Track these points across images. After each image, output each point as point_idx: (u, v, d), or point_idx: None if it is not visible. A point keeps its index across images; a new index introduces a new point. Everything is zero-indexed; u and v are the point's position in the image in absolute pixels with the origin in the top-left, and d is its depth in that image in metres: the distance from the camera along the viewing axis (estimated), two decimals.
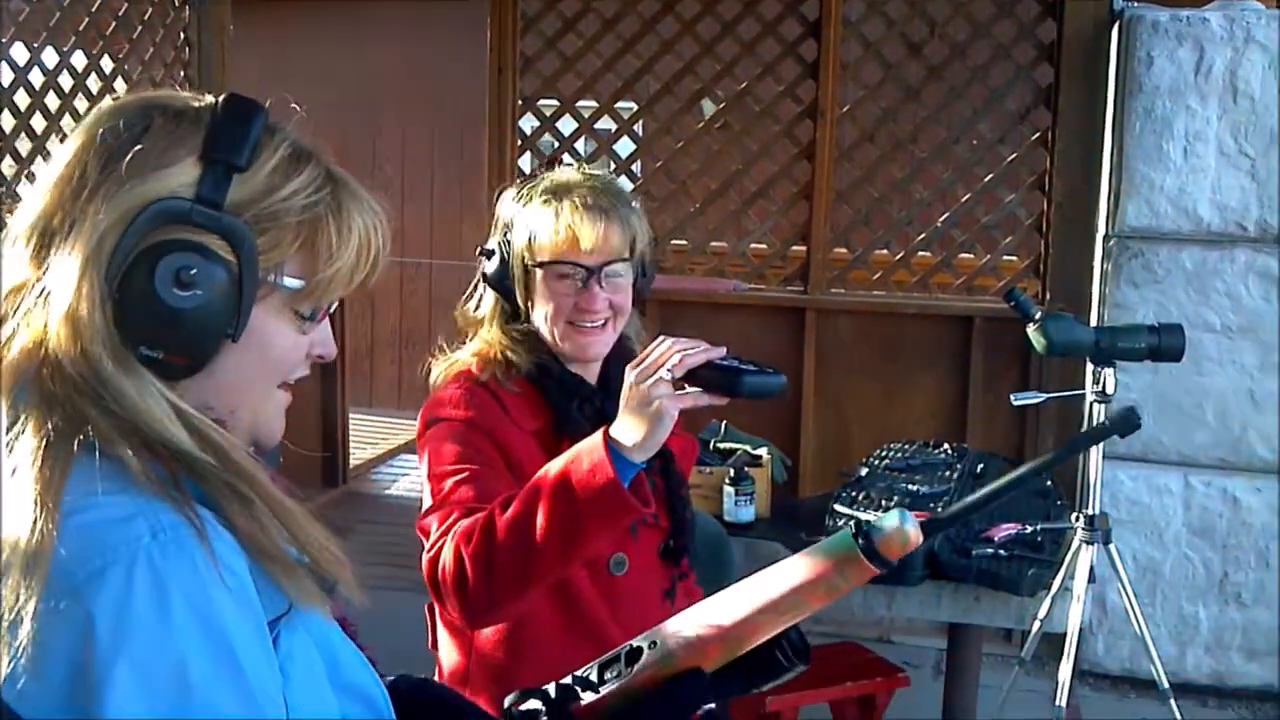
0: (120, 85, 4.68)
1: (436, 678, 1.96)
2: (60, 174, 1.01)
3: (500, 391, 1.87)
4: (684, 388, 1.62)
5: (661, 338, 1.64)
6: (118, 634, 0.89)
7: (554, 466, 1.66)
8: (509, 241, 1.88)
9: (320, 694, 1.04)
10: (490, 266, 1.91)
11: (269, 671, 0.97)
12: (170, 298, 0.98)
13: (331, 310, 1.11)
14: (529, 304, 1.89)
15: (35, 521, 0.91)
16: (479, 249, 1.94)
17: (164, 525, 0.93)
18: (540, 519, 1.63)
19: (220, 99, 1.04)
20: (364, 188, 1.10)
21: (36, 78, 4.31)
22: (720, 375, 1.61)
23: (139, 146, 1.00)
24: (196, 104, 1.05)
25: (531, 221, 1.86)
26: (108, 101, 1.08)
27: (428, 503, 1.81)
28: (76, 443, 0.95)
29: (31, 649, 0.89)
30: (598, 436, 1.64)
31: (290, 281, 1.05)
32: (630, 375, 1.63)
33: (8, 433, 0.96)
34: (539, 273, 1.86)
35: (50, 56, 4.38)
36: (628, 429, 1.62)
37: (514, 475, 1.81)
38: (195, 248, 0.99)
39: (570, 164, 2.05)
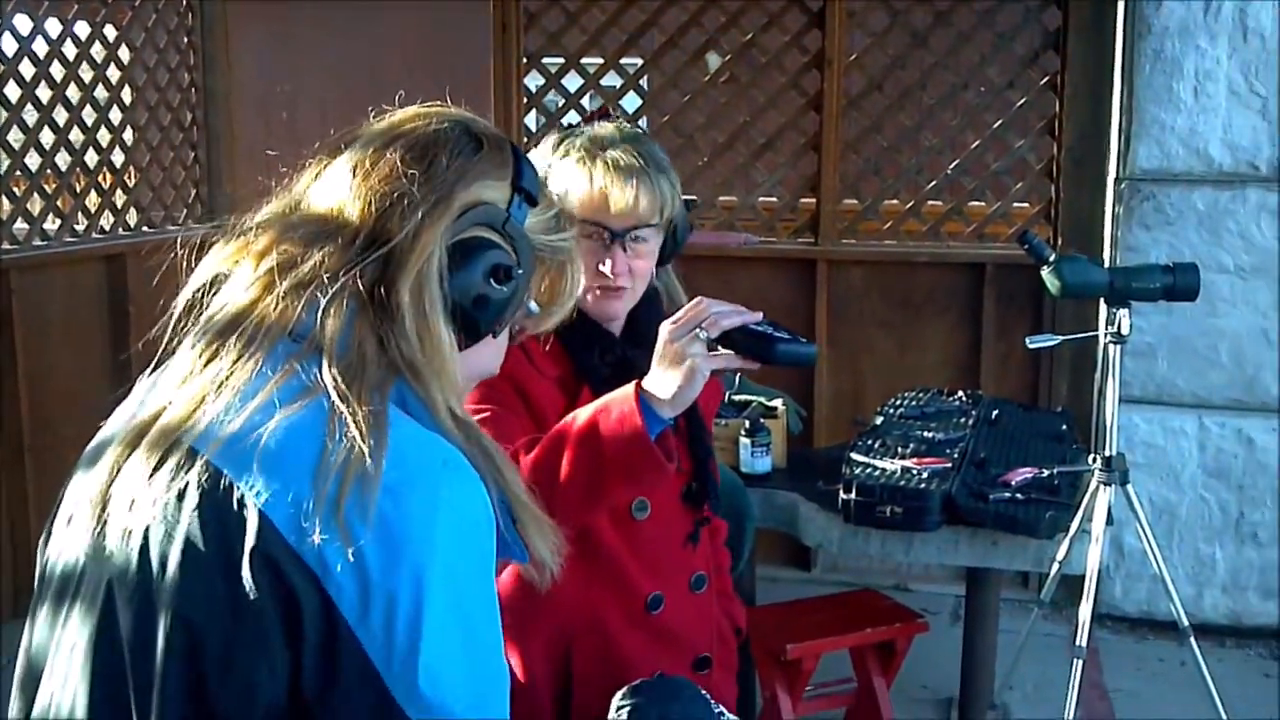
0: (124, 53, 4.67)
1: None
2: (408, 156, 1.16)
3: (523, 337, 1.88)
4: (717, 349, 1.63)
5: (699, 298, 1.65)
6: (406, 541, 1.02)
7: (582, 414, 1.67)
8: None
9: None
10: None
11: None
12: (485, 285, 1.17)
13: None
14: None
15: (367, 432, 1.04)
16: None
17: (453, 458, 1.09)
18: (564, 465, 1.65)
19: (509, 142, 1.24)
20: None
21: (41, 47, 4.30)
22: (754, 341, 1.62)
23: (478, 158, 1.18)
24: (501, 135, 1.23)
25: (565, 178, 1.85)
26: (427, 111, 1.22)
27: None
28: (395, 373, 1.11)
29: (349, 532, 1.01)
30: (629, 389, 1.65)
31: (533, 305, 1.28)
32: (665, 331, 1.64)
33: (337, 357, 1.09)
34: None
35: (54, 26, 4.37)
36: (660, 384, 1.63)
37: (534, 420, 1.82)
38: (506, 252, 1.19)
39: (613, 118, 2.01)
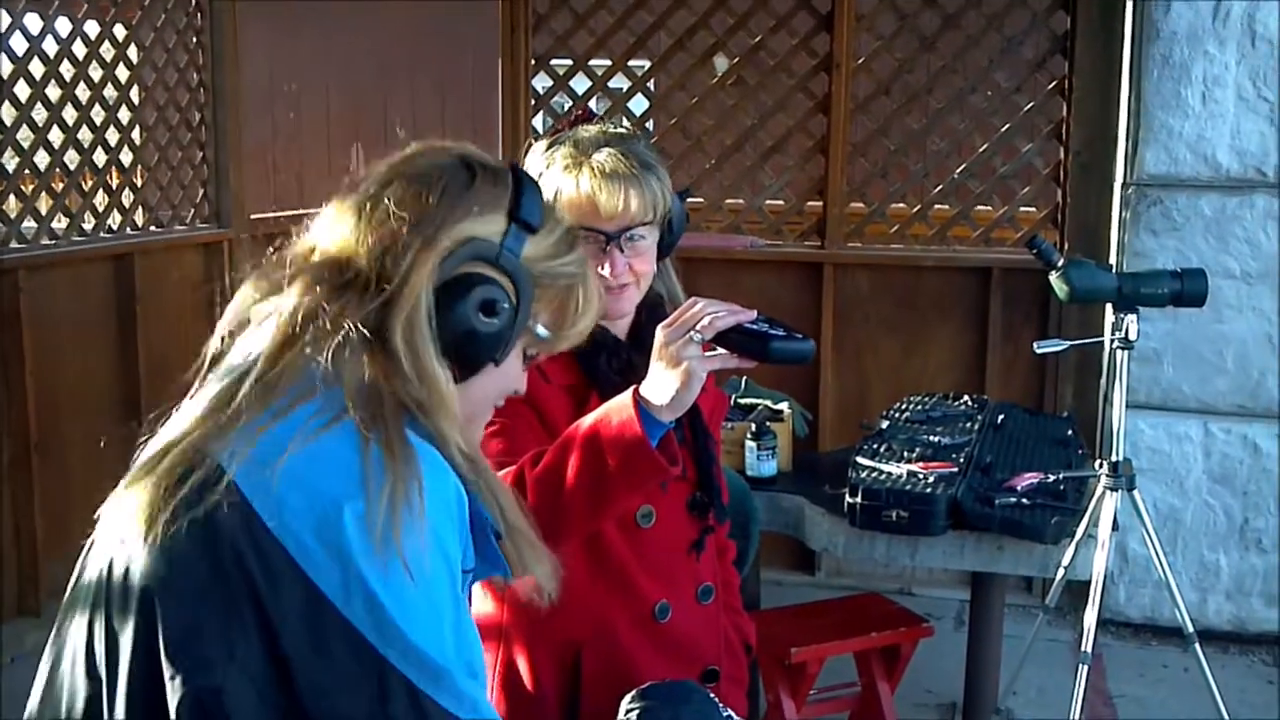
0: (133, 52, 4.68)
1: None
2: (401, 198, 1.21)
3: None
4: (714, 349, 1.63)
5: (693, 299, 1.64)
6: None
7: (583, 424, 1.67)
8: None
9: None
10: None
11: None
12: (474, 320, 1.21)
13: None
14: None
15: (402, 461, 1.13)
16: None
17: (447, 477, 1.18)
18: (569, 475, 1.65)
19: (512, 168, 1.28)
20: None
21: (51, 46, 4.31)
22: (749, 339, 1.61)
23: (469, 193, 1.23)
24: (500, 166, 1.28)
25: (553, 185, 1.85)
26: (426, 148, 1.28)
27: None
28: (405, 410, 1.18)
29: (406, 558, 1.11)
30: (627, 395, 1.65)
31: (542, 330, 1.30)
32: (660, 335, 1.64)
33: (354, 394, 1.16)
34: None
35: (64, 25, 4.37)
36: (657, 388, 1.63)
37: (546, 429, 1.82)
38: (495, 285, 1.22)
39: (596, 117, 2.01)
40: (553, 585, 1.30)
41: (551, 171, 1.86)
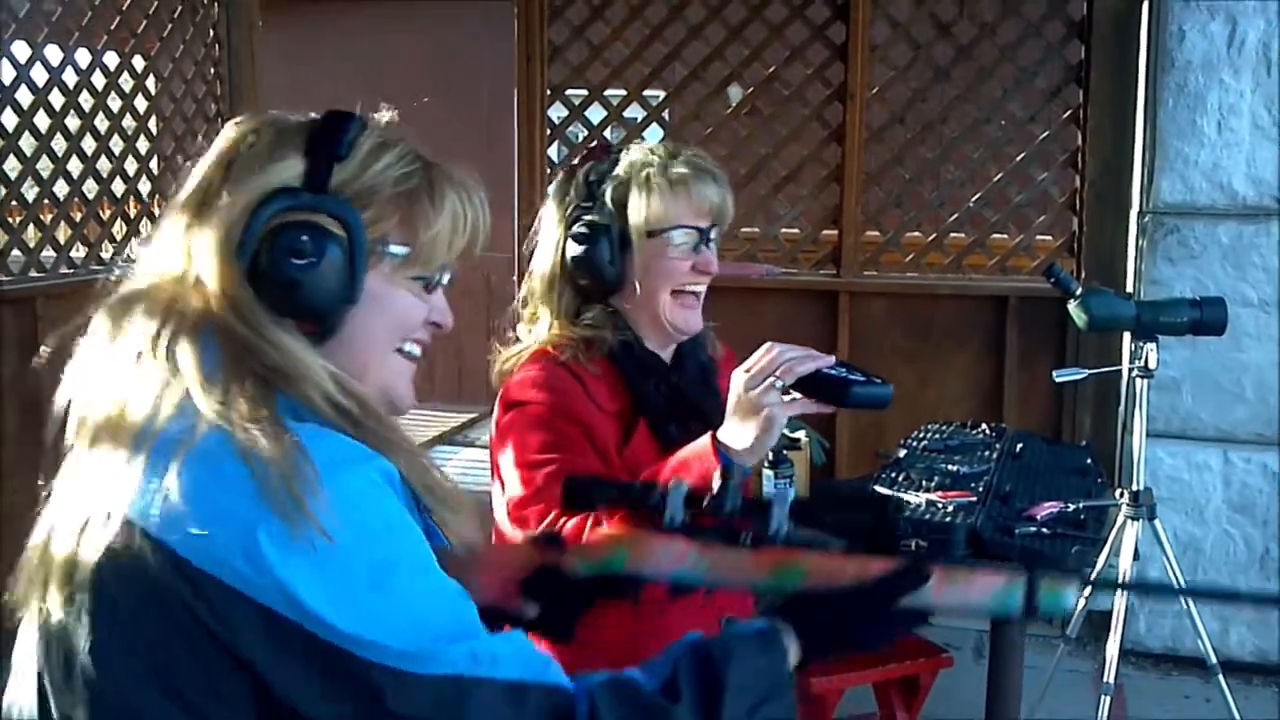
0: (152, 84, 4.71)
1: None
2: (194, 185, 1.20)
3: (580, 371, 1.88)
4: (791, 394, 1.63)
5: (770, 345, 1.65)
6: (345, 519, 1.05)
7: (663, 472, 1.67)
8: (600, 222, 1.89)
9: None
10: (577, 249, 1.90)
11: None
12: (290, 268, 1.13)
13: (445, 282, 1.26)
14: (626, 281, 1.90)
15: (279, 439, 1.05)
16: (553, 236, 1.94)
17: (343, 454, 1.09)
18: None
19: (327, 114, 1.20)
20: (457, 168, 1.25)
21: (70, 77, 4.34)
22: (828, 385, 1.61)
23: (253, 151, 1.17)
24: (303, 118, 1.21)
25: (641, 192, 1.87)
26: (237, 124, 1.23)
27: (518, 490, 1.81)
28: (269, 385, 1.11)
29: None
30: (705, 442, 1.66)
31: (396, 249, 1.20)
32: (739, 381, 1.65)
33: (208, 385, 1.09)
34: (648, 244, 1.88)
35: (83, 56, 4.40)
36: (737, 434, 1.64)
37: (598, 456, 1.82)
38: (307, 225, 1.14)
39: (612, 148, 2.04)
40: (474, 535, 1.23)
41: (633, 183, 1.89)
